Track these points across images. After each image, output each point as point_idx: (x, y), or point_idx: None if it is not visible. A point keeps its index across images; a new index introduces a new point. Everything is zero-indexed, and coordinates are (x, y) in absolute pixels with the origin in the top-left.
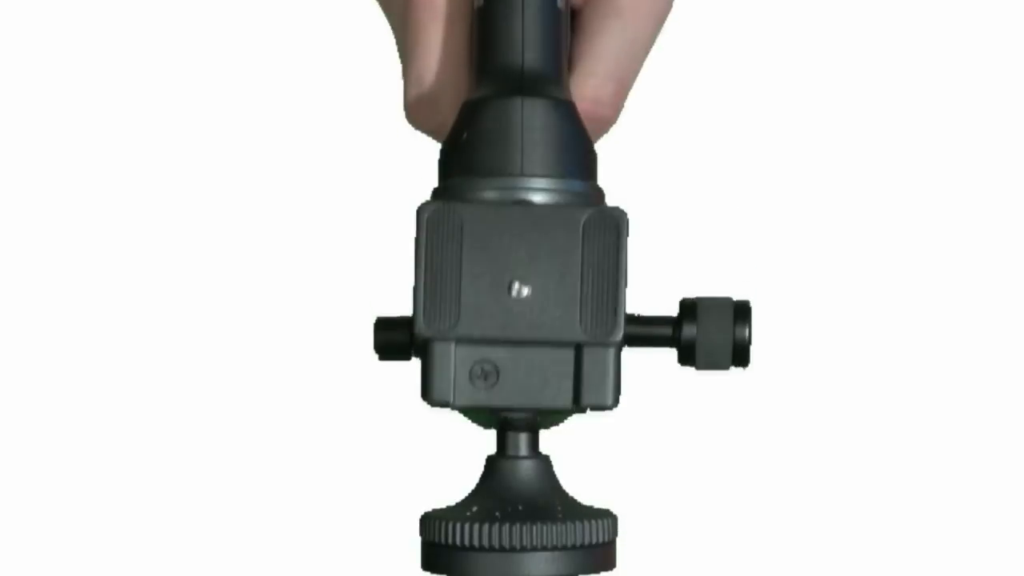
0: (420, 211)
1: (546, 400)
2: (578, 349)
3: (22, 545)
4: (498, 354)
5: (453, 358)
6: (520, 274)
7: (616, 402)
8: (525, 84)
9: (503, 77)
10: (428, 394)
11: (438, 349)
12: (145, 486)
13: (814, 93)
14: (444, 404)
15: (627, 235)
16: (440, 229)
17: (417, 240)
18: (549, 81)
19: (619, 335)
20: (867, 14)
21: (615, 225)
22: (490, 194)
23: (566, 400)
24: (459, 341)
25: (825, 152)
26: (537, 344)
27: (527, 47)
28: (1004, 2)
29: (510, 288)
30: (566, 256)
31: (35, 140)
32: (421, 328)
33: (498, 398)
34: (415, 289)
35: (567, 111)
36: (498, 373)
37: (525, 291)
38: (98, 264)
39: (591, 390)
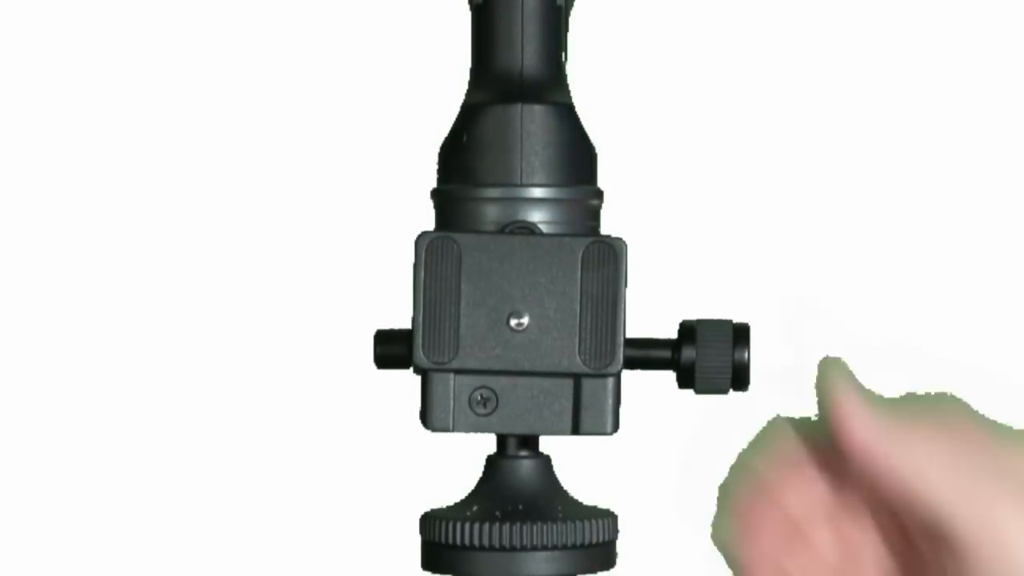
0: (418, 241)
1: (545, 427)
2: (577, 379)
3: (22, 545)
4: (497, 382)
5: (452, 387)
6: (519, 305)
7: (615, 429)
8: (524, 89)
9: (502, 81)
10: (428, 421)
11: (436, 380)
12: (149, 488)
13: (818, 111)
14: (444, 430)
15: (626, 265)
16: (438, 259)
17: (415, 270)
18: (548, 84)
19: (618, 366)
20: (867, 23)
21: (614, 256)
22: (491, 207)
23: (565, 427)
24: (458, 372)
25: (829, 171)
26: (536, 375)
27: (526, 48)
28: (1004, 2)
29: (509, 319)
30: (565, 287)
31: (45, 141)
32: (420, 359)
33: (497, 424)
34: (414, 319)
35: (566, 115)
36: (497, 399)
37: (524, 322)
38: (95, 270)
39: (590, 418)
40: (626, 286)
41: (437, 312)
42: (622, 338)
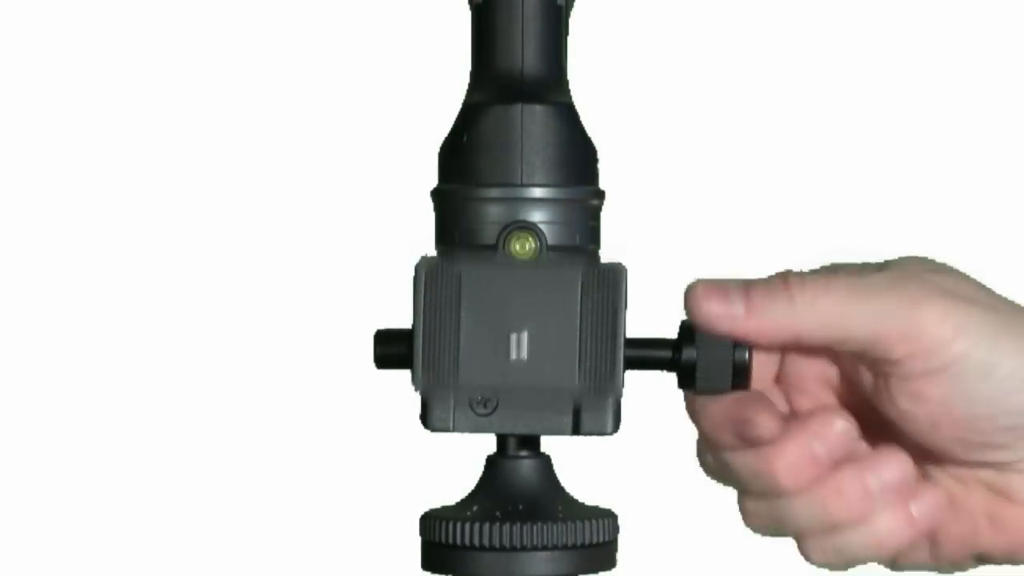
0: (418, 268)
1: (545, 427)
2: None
3: (22, 545)
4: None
5: (452, 399)
6: (519, 332)
7: (616, 429)
8: (525, 88)
9: (502, 80)
10: (428, 422)
11: (437, 397)
12: (149, 488)
13: (818, 111)
14: (444, 431)
15: (626, 292)
16: (438, 286)
17: (415, 297)
18: (548, 84)
19: (617, 388)
20: (867, 19)
21: (614, 282)
22: (491, 207)
23: (565, 427)
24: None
25: (829, 171)
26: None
27: (527, 48)
28: (1004, 2)
29: (508, 345)
30: (564, 314)
31: (46, 142)
32: (420, 384)
33: (497, 424)
34: (414, 345)
35: (566, 115)
36: (497, 400)
37: (524, 348)
38: (96, 271)
39: (590, 418)
40: (626, 313)
41: (437, 339)
42: (621, 365)
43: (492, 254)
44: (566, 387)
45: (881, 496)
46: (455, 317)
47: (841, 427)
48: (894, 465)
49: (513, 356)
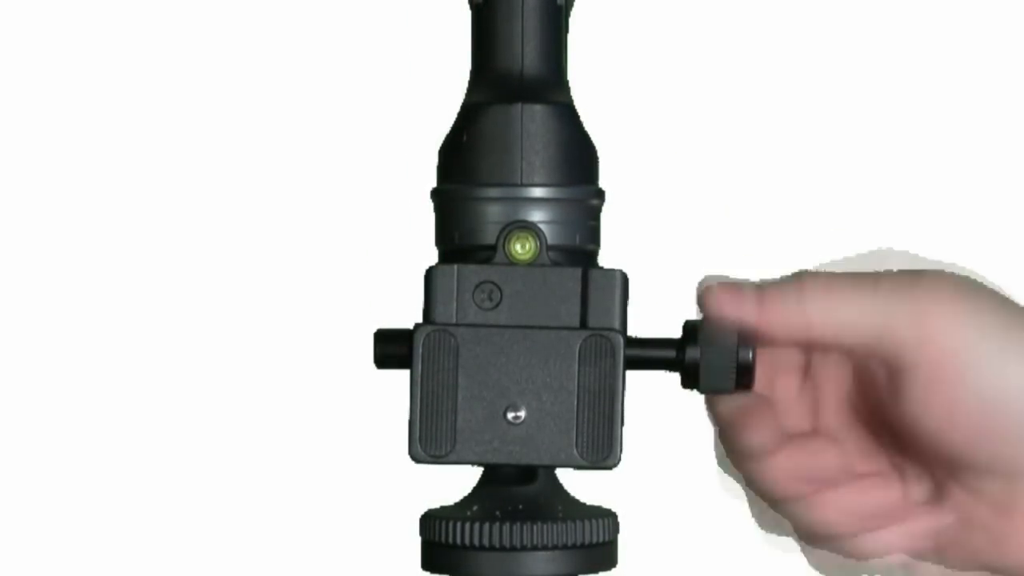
0: (416, 335)
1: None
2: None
3: (22, 545)
4: None
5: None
6: (516, 398)
7: (619, 459)
8: (524, 88)
9: (502, 80)
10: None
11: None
12: (149, 488)
13: (818, 111)
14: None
15: (624, 359)
16: (436, 353)
17: (413, 364)
18: (548, 83)
19: (616, 460)
20: (867, 19)
21: (612, 350)
22: (491, 207)
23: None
24: (455, 465)
25: (829, 170)
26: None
27: (527, 48)
28: (1004, 2)
29: (506, 412)
30: (562, 380)
31: (46, 142)
32: (417, 452)
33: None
34: (410, 413)
35: (566, 114)
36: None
37: (521, 415)
38: (97, 271)
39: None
40: (624, 380)
41: (434, 405)
42: (619, 432)
43: (494, 315)
44: (563, 452)
45: (873, 518)
46: (452, 383)
47: (833, 455)
48: (880, 491)
49: (511, 419)
